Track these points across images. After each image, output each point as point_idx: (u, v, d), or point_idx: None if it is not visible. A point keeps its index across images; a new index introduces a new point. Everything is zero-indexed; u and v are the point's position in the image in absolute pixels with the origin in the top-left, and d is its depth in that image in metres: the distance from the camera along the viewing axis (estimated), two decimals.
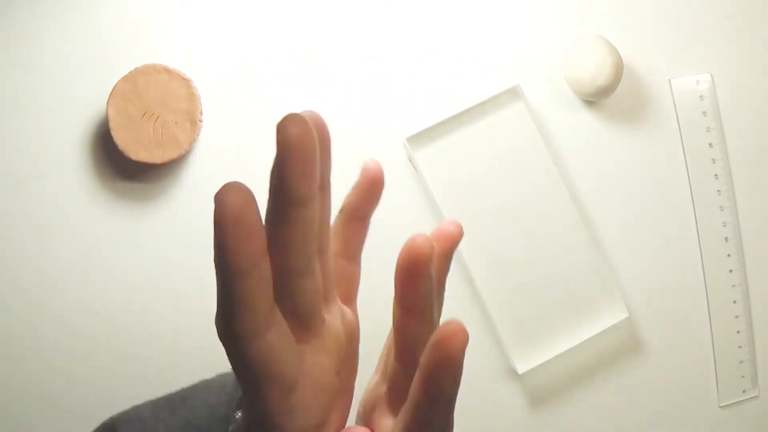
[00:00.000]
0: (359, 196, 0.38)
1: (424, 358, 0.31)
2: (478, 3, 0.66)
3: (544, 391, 0.65)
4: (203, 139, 0.64)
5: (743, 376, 0.66)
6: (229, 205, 0.28)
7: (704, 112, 0.66)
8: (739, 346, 0.66)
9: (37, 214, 0.63)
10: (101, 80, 0.64)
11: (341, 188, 0.64)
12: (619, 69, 0.62)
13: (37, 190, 0.63)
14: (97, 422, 0.63)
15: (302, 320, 0.34)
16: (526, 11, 0.66)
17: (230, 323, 0.30)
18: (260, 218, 0.29)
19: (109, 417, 0.55)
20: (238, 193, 0.28)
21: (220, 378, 0.57)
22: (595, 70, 0.62)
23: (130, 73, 0.61)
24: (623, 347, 0.65)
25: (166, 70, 0.61)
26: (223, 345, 0.31)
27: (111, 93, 0.61)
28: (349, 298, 0.39)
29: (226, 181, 0.29)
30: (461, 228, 0.37)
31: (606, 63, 0.62)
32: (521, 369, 0.63)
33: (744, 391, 0.66)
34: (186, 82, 0.61)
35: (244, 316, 0.30)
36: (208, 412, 0.54)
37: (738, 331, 0.66)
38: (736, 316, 0.66)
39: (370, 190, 0.38)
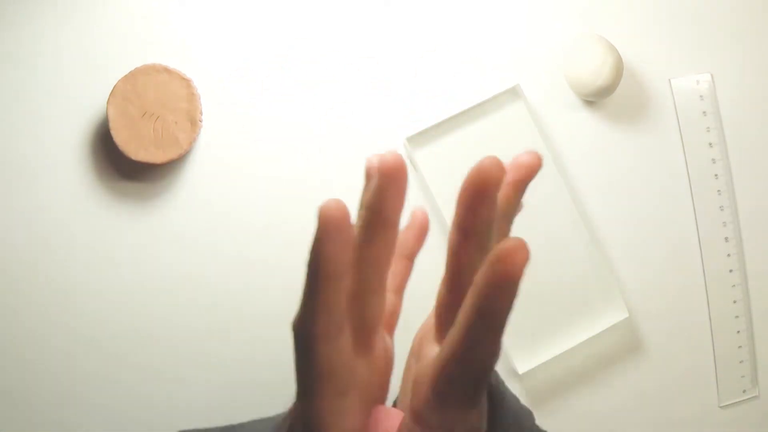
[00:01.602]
0: (410, 238, 0.42)
1: (480, 275, 0.31)
2: (478, 3, 0.66)
3: (544, 391, 0.65)
4: (203, 139, 0.64)
5: (743, 376, 0.66)
6: (332, 216, 0.31)
7: (704, 112, 0.66)
8: (739, 346, 0.66)
9: (38, 213, 0.63)
10: (101, 80, 0.64)
11: (343, 189, 0.64)
12: (619, 69, 0.62)
13: (37, 190, 0.63)
14: (98, 424, 0.63)
15: (364, 336, 0.36)
16: (526, 11, 0.66)
17: (310, 323, 0.33)
18: (354, 234, 0.33)
19: None
20: (340, 207, 0.32)
21: (275, 417, 0.57)
22: (595, 70, 0.62)
23: (130, 73, 0.61)
24: (623, 347, 0.65)
25: (166, 70, 0.61)
26: (296, 343, 0.34)
27: (111, 93, 0.61)
28: (390, 329, 0.41)
29: (326, 200, 0.33)
30: (540, 158, 0.38)
31: (606, 63, 0.62)
32: (521, 369, 0.63)
33: (744, 391, 0.66)
34: (186, 82, 0.61)
35: (324, 318, 0.33)
36: None
37: (738, 331, 0.66)
38: (736, 316, 0.66)
39: (418, 233, 0.42)
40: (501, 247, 0.30)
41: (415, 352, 0.39)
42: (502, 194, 0.38)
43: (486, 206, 0.34)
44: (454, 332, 0.32)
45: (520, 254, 0.30)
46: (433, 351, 0.37)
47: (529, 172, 0.38)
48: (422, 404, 0.34)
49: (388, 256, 0.35)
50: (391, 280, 0.41)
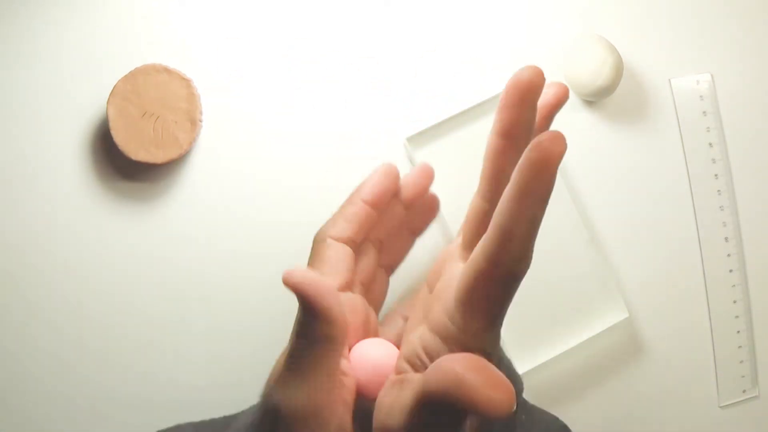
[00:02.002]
0: (419, 215, 0.46)
1: (517, 165, 0.31)
2: (478, 3, 0.66)
3: (544, 391, 0.65)
4: (203, 139, 0.64)
5: (743, 376, 0.66)
6: (389, 165, 0.41)
7: (704, 112, 0.66)
8: (739, 346, 0.66)
9: (37, 213, 0.63)
10: (101, 80, 0.64)
11: (343, 189, 0.64)
12: (619, 69, 0.62)
13: (37, 190, 0.63)
14: (93, 425, 0.63)
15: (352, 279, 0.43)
16: (526, 11, 0.66)
17: (331, 225, 0.41)
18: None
19: None
20: (390, 168, 0.42)
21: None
22: (595, 70, 0.62)
23: (130, 73, 0.61)
24: (623, 347, 0.65)
25: (166, 70, 0.61)
26: (314, 244, 0.42)
27: (111, 93, 0.61)
28: (376, 305, 0.45)
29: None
30: (566, 90, 0.39)
31: (606, 63, 0.62)
32: (521, 369, 0.63)
33: (744, 391, 0.66)
34: (186, 82, 0.61)
35: (343, 225, 0.40)
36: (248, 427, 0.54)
37: (738, 331, 0.66)
38: (736, 316, 0.66)
39: (427, 211, 0.47)
40: (539, 137, 0.30)
41: (433, 278, 0.39)
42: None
43: (528, 108, 0.34)
44: (488, 233, 0.32)
45: (558, 142, 0.29)
46: (458, 267, 0.36)
47: (558, 101, 0.39)
48: (444, 315, 0.34)
49: (389, 229, 0.42)
50: (387, 256, 0.45)
